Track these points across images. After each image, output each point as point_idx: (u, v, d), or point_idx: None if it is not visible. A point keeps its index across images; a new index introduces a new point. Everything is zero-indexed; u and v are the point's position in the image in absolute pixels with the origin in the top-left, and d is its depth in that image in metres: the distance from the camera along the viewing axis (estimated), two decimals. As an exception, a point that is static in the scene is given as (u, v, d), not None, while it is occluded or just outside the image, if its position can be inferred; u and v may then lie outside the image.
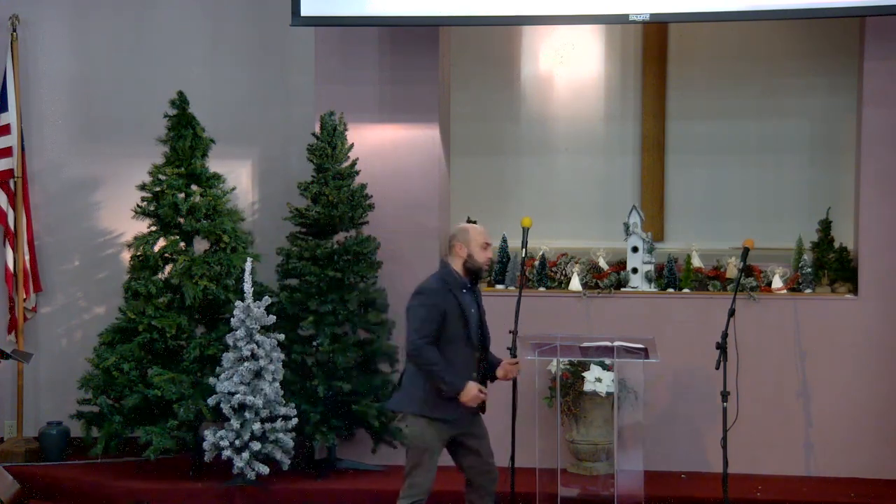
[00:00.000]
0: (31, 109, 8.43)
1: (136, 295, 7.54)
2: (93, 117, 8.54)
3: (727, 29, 8.24)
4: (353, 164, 7.62)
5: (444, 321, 5.55)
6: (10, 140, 8.13)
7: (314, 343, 7.47)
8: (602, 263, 7.89)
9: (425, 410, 5.59)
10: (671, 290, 7.71)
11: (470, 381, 5.61)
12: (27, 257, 8.23)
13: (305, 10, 7.43)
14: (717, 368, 5.87)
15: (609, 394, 7.19)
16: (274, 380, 7.13)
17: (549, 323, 7.34)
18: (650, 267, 7.74)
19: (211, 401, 7.14)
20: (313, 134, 7.60)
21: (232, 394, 7.06)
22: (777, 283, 7.61)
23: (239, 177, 8.38)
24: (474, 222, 8.07)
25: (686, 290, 7.71)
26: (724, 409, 5.80)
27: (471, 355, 5.68)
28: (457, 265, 5.69)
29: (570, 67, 8.62)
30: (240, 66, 8.50)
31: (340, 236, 7.60)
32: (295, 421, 7.19)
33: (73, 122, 8.55)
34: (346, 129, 7.60)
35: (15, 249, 8.19)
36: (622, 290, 7.72)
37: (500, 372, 5.81)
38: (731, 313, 5.89)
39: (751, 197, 8.45)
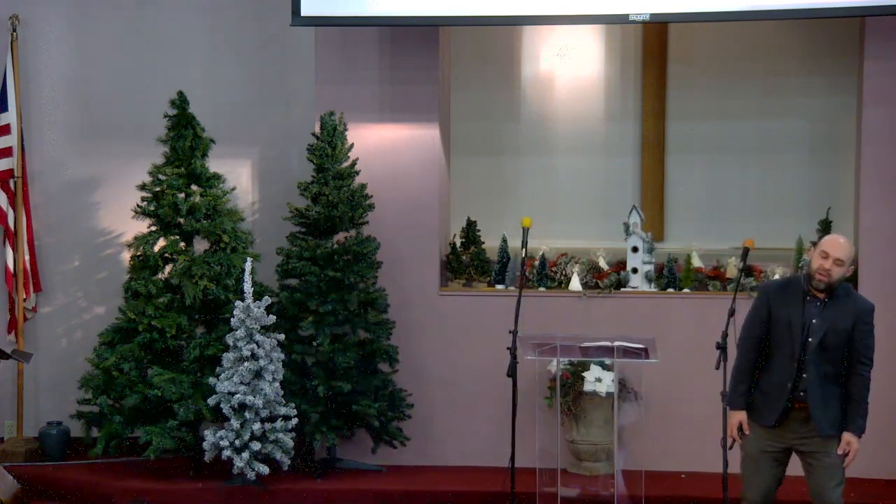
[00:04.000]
0: (31, 109, 8.43)
1: (136, 295, 7.55)
2: (93, 117, 8.54)
3: (727, 29, 8.24)
4: (353, 164, 7.62)
5: (769, 324, 5.44)
6: (10, 140, 8.13)
7: (314, 343, 7.47)
8: (602, 263, 7.89)
9: (752, 415, 5.53)
10: (671, 290, 7.71)
11: (740, 409, 5.49)
12: (27, 257, 8.23)
13: (305, 10, 7.43)
14: (717, 368, 5.86)
15: (609, 394, 7.19)
16: (274, 380, 7.13)
17: (549, 323, 7.34)
18: (650, 267, 7.74)
19: (211, 401, 7.14)
20: (313, 134, 7.60)
21: (232, 394, 7.06)
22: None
23: (239, 177, 8.37)
24: (474, 222, 8.10)
25: (686, 290, 7.71)
26: (725, 409, 5.79)
27: (790, 371, 5.38)
28: (806, 270, 5.48)
29: (570, 67, 8.62)
30: (240, 66, 8.50)
31: (340, 236, 7.60)
32: (295, 421, 7.19)
33: (73, 122, 8.55)
34: (346, 129, 7.60)
35: (15, 249, 8.19)
36: (622, 290, 7.72)
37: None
38: (731, 313, 5.88)
39: (751, 197, 8.45)
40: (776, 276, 7.59)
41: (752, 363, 5.51)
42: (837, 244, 5.38)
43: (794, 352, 5.37)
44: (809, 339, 5.35)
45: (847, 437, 5.38)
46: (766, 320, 5.46)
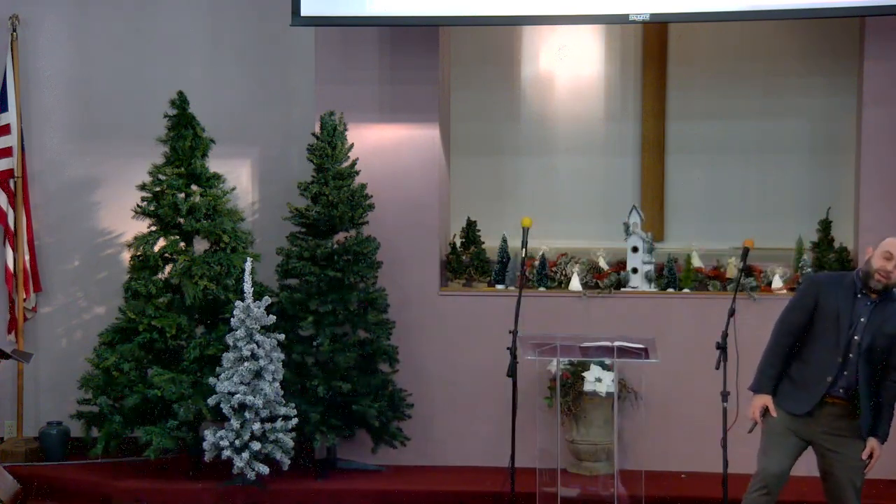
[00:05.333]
0: (31, 109, 8.43)
1: (136, 295, 7.55)
2: (93, 117, 8.54)
3: (727, 29, 8.24)
4: (353, 164, 7.62)
5: (813, 315, 5.39)
6: (10, 140, 8.13)
7: (314, 343, 7.47)
8: (602, 263, 7.89)
9: (779, 402, 5.48)
10: (671, 290, 7.71)
11: (767, 393, 5.45)
12: (27, 257, 8.23)
13: (305, 10, 7.43)
14: (717, 368, 5.86)
15: (609, 394, 7.19)
16: (274, 380, 7.13)
17: (549, 323, 7.34)
18: (650, 267, 7.74)
19: (211, 401, 7.14)
20: (313, 134, 7.60)
21: (232, 394, 7.06)
22: (777, 283, 7.61)
23: (239, 177, 8.37)
24: (474, 222, 8.11)
25: (686, 290, 7.71)
26: (725, 409, 5.79)
27: (833, 365, 5.34)
28: (862, 268, 5.40)
29: (570, 67, 8.62)
30: (240, 66, 8.50)
31: (340, 236, 7.60)
32: (295, 421, 7.19)
33: (73, 122, 8.55)
34: (346, 129, 7.60)
35: (15, 249, 8.19)
36: (622, 290, 7.72)
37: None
38: (731, 313, 5.88)
39: (751, 197, 8.45)
40: (776, 276, 7.59)
41: (786, 349, 5.46)
42: None
43: (839, 345, 5.31)
44: (855, 337, 5.30)
45: (873, 442, 5.33)
46: (812, 309, 5.40)
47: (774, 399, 5.48)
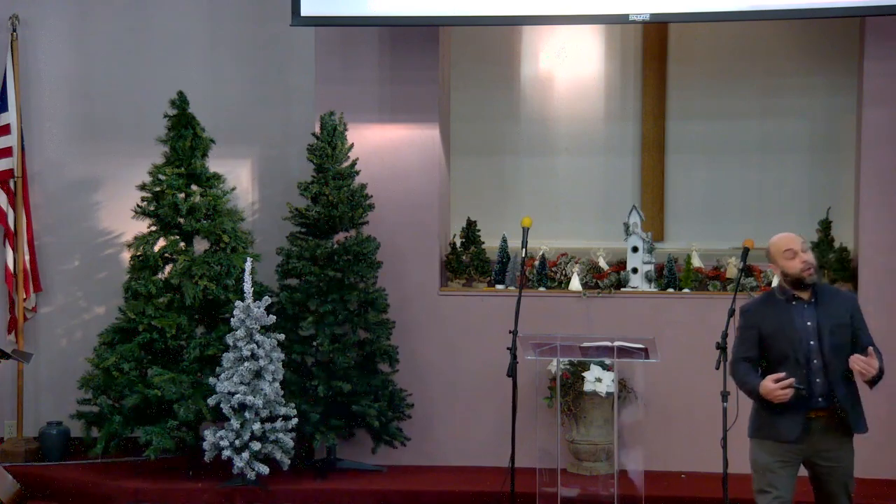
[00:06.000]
0: (31, 109, 8.43)
1: (136, 295, 7.55)
2: (93, 117, 8.54)
3: (727, 29, 8.24)
4: (353, 164, 7.62)
5: (762, 343, 5.23)
6: (10, 140, 8.13)
7: (314, 343, 7.47)
8: (602, 263, 7.89)
9: (753, 432, 5.32)
10: (671, 290, 7.71)
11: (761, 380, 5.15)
12: (27, 257, 8.23)
13: (305, 10, 7.43)
14: (717, 368, 5.86)
15: (609, 394, 7.19)
16: (274, 380, 7.13)
17: (549, 323, 7.34)
18: (650, 267, 7.74)
19: (211, 401, 7.14)
20: (313, 134, 7.60)
21: (232, 394, 7.06)
22: (777, 283, 7.59)
23: (239, 177, 8.37)
24: (474, 222, 8.10)
25: (686, 290, 7.71)
26: (725, 409, 5.78)
27: (800, 380, 5.10)
28: (781, 281, 5.30)
29: (570, 67, 8.62)
30: (240, 66, 8.50)
31: (340, 236, 7.60)
32: (295, 421, 7.19)
33: (73, 122, 8.55)
34: (346, 129, 7.60)
35: (15, 249, 8.19)
36: (622, 290, 7.72)
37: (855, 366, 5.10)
38: (731, 313, 5.87)
39: (751, 197, 8.45)
40: (776, 276, 7.59)
41: (755, 379, 5.23)
42: (790, 236, 5.28)
43: (799, 359, 5.16)
44: (811, 343, 5.18)
45: (874, 361, 5.03)
46: (758, 338, 5.27)
47: (759, 433, 5.30)
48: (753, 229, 7.72)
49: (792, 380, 5.09)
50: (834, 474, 5.24)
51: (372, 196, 7.67)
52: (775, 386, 5.09)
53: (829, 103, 8.26)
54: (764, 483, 5.26)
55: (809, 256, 5.24)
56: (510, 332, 6.42)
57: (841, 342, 5.18)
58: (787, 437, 5.19)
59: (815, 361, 5.16)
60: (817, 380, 5.16)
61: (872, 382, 5.17)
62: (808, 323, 5.19)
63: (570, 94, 8.63)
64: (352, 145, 7.62)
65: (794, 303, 5.24)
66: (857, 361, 5.07)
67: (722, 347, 5.80)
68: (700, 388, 7.01)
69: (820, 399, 5.17)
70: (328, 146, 7.51)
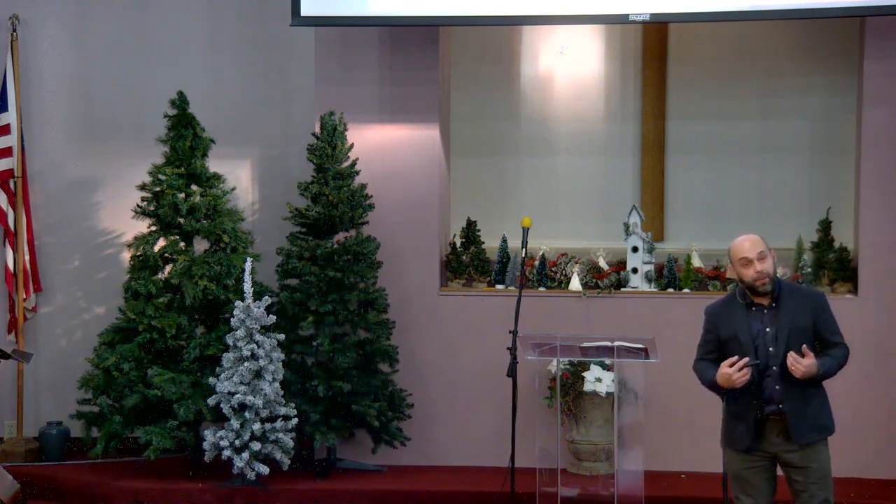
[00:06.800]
0: (31, 109, 8.43)
1: (136, 295, 7.55)
2: (93, 117, 8.54)
3: (727, 29, 8.24)
4: (353, 164, 7.62)
5: (720, 343, 5.22)
6: (10, 140, 8.14)
7: (314, 343, 7.47)
8: (602, 263, 7.89)
9: (721, 440, 5.31)
10: (671, 290, 7.72)
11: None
12: (27, 257, 8.23)
13: (305, 10, 7.43)
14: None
15: (609, 394, 7.20)
16: (274, 380, 7.13)
17: (549, 323, 7.34)
18: (650, 267, 7.74)
19: (211, 401, 7.14)
20: (313, 134, 7.60)
21: (232, 394, 7.06)
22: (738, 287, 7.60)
23: (239, 177, 8.37)
24: (474, 222, 8.10)
25: (686, 290, 7.71)
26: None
27: (755, 386, 5.09)
28: (739, 288, 5.23)
29: (570, 67, 8.61)
30: (240, 66, 8.50)
31: (340, 236, 7.60)
32: (295, 421, 7.19)
33: (73, 122, 8.55)
34: (346, 129, 7.60)
35: (15, 249, 8.19)
36: (622, 290, 7.72)
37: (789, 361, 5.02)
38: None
39: (751, 197, 8.44)
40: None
41: (713, 371, 5.20)
42: (746, 244, 5.17)
43: (759, 366, 5.09)
44: (770, 349, 5.09)
45: (808, 360, 4.98)
46: (717, 341, 5.26)
47: (724, 441, 5.28)
48: (753, 229, 7.64)
49: (745, 360, 5.04)
50: (805, 481, 5.13)
51: (372, 196, 7.67)
52: (731, 370, 5.05)
53: (829, 103, 8.26)
54: (738, 489, 5.27)
55: (766, 265, 5.13)
56: (510, 332, 6.43)
57: (806, 340, 5.09)
58: (738, 447, 5.18)
59: (773, 368, 5.10)
60: (776, 386, 5.10)
61: (817, 378, 5.08)
62: (767, 329, 5.13)
63: (570, 94, 8.62)
64: (352, 145, 7.62)
65: (753, 308, 5.19)
66: (788, 359, 5.01)
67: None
68: (700, 388, 6.96)
69: (780, 406, 5.11)
70: (328, 146, 7.51)
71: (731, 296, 5.35)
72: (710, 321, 5.35)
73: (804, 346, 5.05)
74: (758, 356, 5.11)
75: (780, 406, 5.11)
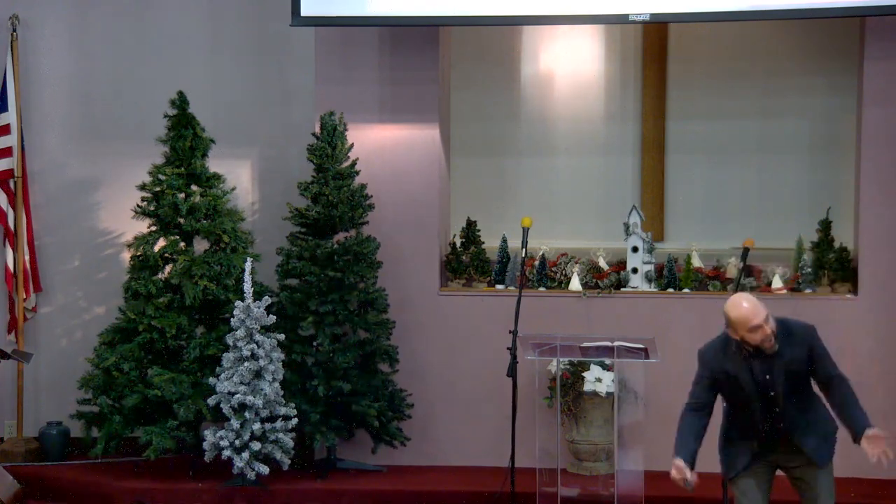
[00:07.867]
0: (31, 109, 8.43)
1: (136, 295, 7.55)
2: (93, 117, 8.54)
3: (727, 29, 8.24)
4: (353, 164, 7.62)
5: (717, 387, 5.17)
6: (10, 140, 8.13)
7: (314, 343, 7.47)
8: (602, 263, 7.89)
9: (722, 468, 5.34)
10: (671, 290, 7.71)
11: (682, 457, 5.09)
12: (27, 257, 8.23)
13: (305, 10, 7.43)
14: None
15: (609, 394, 7.20)
16: (274, 380, 7.13)
17: (549, 323, 7.34)
18: (650, 267, 7.74)
19: (211, 401, 7.14)
20: (313, 134, 7.60)
21: (232, 394, 7.06)
22: (777, 282, 7.61)
23: (239, 177, 8.37)
24: (474, 222, 8.10)
25: (686, 290, 7.71)
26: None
27: (760, 424, 5.12)
28: (742, 343, 5.09)
29: (570, 67, 8.61)
30: (240, 66, 8.50)
31: (340, 236, 7.60)
32: (295, 421, 7.20)
33: (73, 122, 8.55)
34: (346, 129, 7.60)
35: (15, 249, 8.19)
36: (622, 290, 7.72)
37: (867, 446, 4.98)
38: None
39: (751, 197, 8.44)
40: (776, 276, 7.57)
41: (699, 428, 5.19)
42: (750, 310, 4.98)
43: (757, 407, 5.10)
44: (771, 393, 5.07)
45: (871, 431, 4.96)
46: (711, 384, 5.20)
47: (726, 469, 5.31)
48: (753, 229, 7.74)
49: (691, 481, 5.06)
50: (814, 489, 5.16)
51: (372, 196, 7.67)
52: (678, 477, 5.08)
53: (829, 103, 8.26)
54: (738, 491, 5.27)
55: (770, 325, 5.03)
56: (510, 332, 6.43)
57: (799, 384, 5.10)
58: (739, 468, 5.22)
59: (776, 409, 5.10)
60: (780, 425, 5.12)
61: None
62: (767, 376, 5.07)
63: (570, 94, 8.62)
64: (352, 145, 7.62)
65: (753, 359, 5.11)
66: (881, 458, 4.97)
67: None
68: (700, 388, 7.01)
69: (787, 433, 5.13)
70: (328, 146, 7.51)
71: (725, 341, 5.20)
72: (706, 365, 5.25)
73: (869, 430, 4.98)
74: (760, 399, 5.09)
75: (787, 441, 5.13)
